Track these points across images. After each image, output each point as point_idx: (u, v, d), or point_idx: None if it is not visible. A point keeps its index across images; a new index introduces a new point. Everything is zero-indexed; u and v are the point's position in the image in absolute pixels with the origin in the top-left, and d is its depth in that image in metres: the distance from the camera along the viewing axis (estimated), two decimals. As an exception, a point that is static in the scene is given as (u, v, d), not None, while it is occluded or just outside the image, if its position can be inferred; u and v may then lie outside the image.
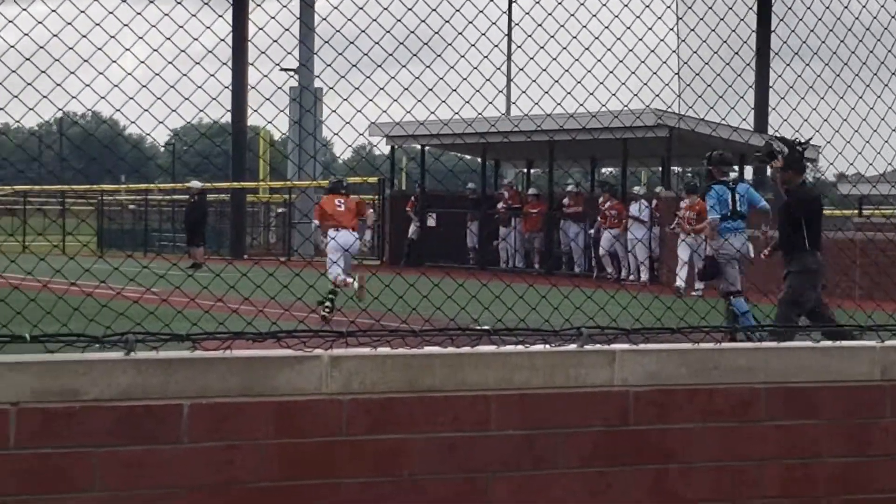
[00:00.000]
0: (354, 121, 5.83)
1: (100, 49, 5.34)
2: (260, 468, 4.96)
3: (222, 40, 5.82)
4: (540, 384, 5.39)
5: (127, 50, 5.48)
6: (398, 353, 5.24)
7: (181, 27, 5.45)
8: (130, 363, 4.82)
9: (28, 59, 5.15)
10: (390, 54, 5.92)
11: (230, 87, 6.05)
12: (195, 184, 37.93)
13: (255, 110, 6.61)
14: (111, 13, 5.34)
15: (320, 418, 5.06)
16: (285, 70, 36.56)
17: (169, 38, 5.47)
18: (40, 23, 5.17)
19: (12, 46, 5.15)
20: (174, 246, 49.68)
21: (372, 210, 26.52)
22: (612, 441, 5.49)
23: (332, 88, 5.93)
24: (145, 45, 5.51)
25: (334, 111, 5.86)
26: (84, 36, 5.27)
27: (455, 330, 5.45)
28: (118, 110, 5.60)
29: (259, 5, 5.97)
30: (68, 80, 5.31)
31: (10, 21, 5.11)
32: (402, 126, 6.36)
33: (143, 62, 5.44)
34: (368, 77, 5.92)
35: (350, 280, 20.65)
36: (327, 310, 18.95)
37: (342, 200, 22.57)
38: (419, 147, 41.12)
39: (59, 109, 5.81)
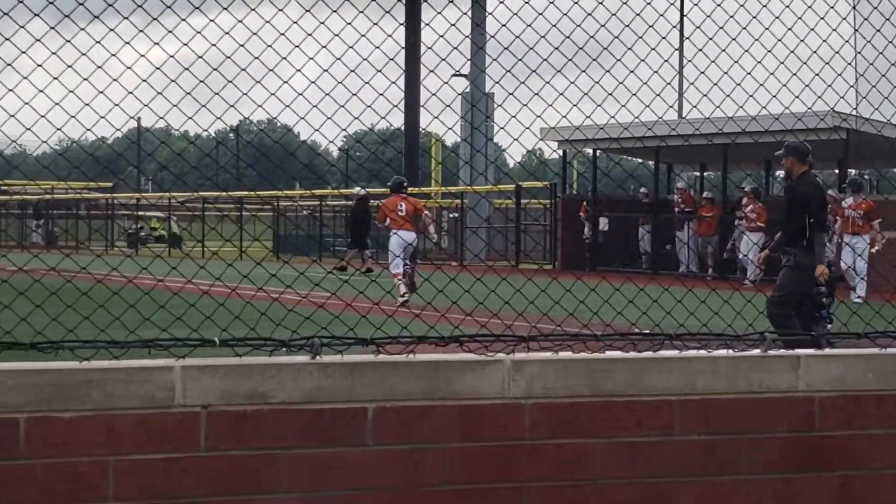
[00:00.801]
0: (527, 125, 5.85)
1: (284, 58, 5.45)
2: (443, 471, 5.00)
3: (403, 48, 5.90)
4: (723, 389, 5.33)
5: (311, 59, 5.58)
6: (580, 358, 5.24)
7: (363, 35, 5.53)
8: (317, 367, 4.90)
9: (215, 69, 5.28)
10: (570, 59, 5.92)
11: (401, 105, 6.16)
12: (358, 189, 38.97)
13: (436, 116, 6.63)
14: (295, 23, 5.43)
15: (502, 422, 5.08)
16: (459, 76, 36.78)
17: (351, 47, 5.54)
18: (227, 33, 5.29)
19: (200, 57, 5.28)
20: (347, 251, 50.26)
21: (428, 213, 27.71)
22: (797, 447, 5.41)
23: (511, 94, 5.94)
24: (317, 53, 5.60)
25: (514, 116, 5.88)
26: (269, 46, 5.39)
27: (637, 335, 5.43)
28: (302, 118, 5.68)
29: (439, 13, 6.01)
30: (245, 88, 5.42)
31: (198, 32, 5.24)
32: (575, 130, 6.31)
33: (325, 70, 5.53)
34: (546, 82, 5.91)
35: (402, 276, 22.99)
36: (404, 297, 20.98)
37: (403, 205, 24.69)
38: (591, 151, 40.98)
39: (246, 118, 5.95)
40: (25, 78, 4.95)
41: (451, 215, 53.86)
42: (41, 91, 4.95)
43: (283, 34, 5.39)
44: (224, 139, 51.36)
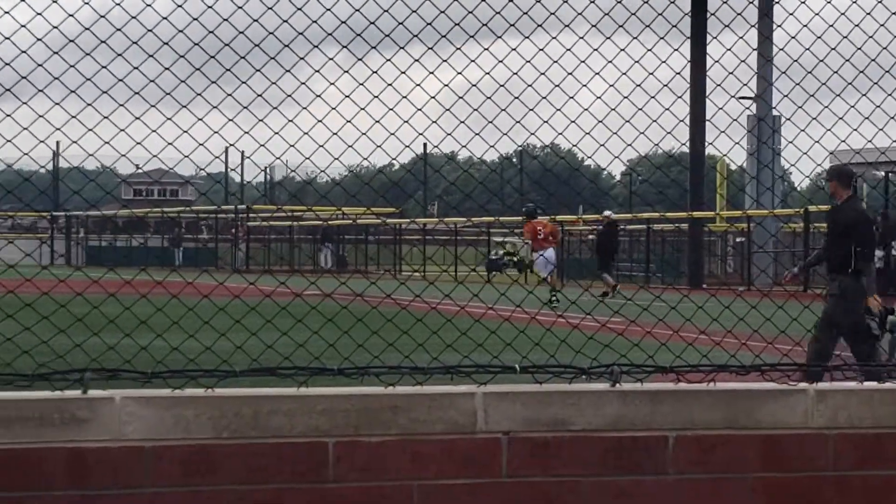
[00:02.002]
0: (812, 150, 5.74)
1: (557, 86, 5.47)
2: (746, 501, 4.93)
3: (677, 74, 5.87)
4: None
5: (583, 86, 5.60)
6: (886, 388, 5.09)
7: (636, 62, 5.52)
8: (617, 394, 4.89)
9: (488, 98, 5.34)
10: (849, 83, 5.78)
11: (685, 120, 6.11)
12: (608, 213, 39.93)
13: (710, 143, 6.57)
14: (568, 50, 5.45)
15: (806, 453, 4.98)
16: (742, 99, 36.23)
17: (624, 73, 5.53)
18: (500, 62, 5.35)
19: (474, 85, 5.36)
20: (630, 276, 50.12)
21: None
22: None
23: (788, 119, 5.85)
24: (600, 80, 5.61)
25: (791, 143, 5.79)
26: (542, 73, 5.42)
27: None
28: (574, 145, 5.69)
29: (715, 37, 5.95)
30: (527, 112, 5.47)
31: (472, 60, 5.33)
32: (863, 154, 6.13)
33: (598, 97, 5.53)
34: (826, 106, 5.78)
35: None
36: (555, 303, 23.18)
37: (542, 228, 31.35)
38: (881, 174, 39.74)
39: (518, 146, 6.00)
40: (304, 108, 5.11)
41: (736, 239, 53.04)
42: (319, 121, 5.09)
43: (555, 62, 5.41)
44: (507, 163, 51.88)
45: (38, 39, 4.72)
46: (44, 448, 4.39)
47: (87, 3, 4.73)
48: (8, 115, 4.68)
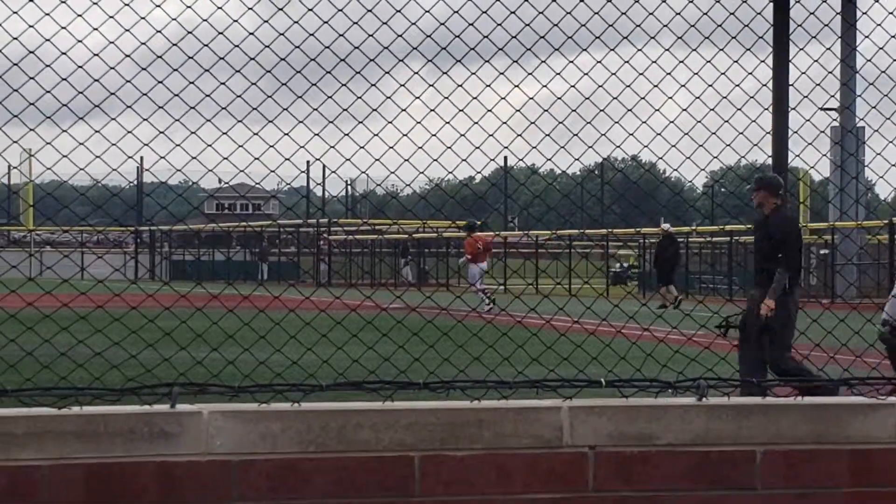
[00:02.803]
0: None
1: (642, 98, 5.45)
2: (834, 518, 4.87)
3: (764, 85, 5.83)
4: None
5: (669, 98, 5.58)
6: (979, 402, 5.01)
7: (722, 73, 5.48)
8: (703, 409, 4.86)
9: (574, 111, 5.33)
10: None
11: (769, 132, 6.06)
12: (665, 226, 40.11)
13: (798, 155, 6.52)
14: (654, 62, 5.44)
15: (896, 468, 4.91)
16: (826, 111, 35.93)
17: (711, 86, 5.50)
18: (585, 74, 5.34)
19: (559, 98, 5.34)
20: (713, 288, 49.76)
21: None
22: None
23: (876, 131, 5.78)
24: (685, 92, 5.58)
25: (879, 154, 5.72)
26: (628, 86, 5.40)
27: None
28: (660, 158, 5.66)
29: (801, 49, 5.90)
30: (607, 126, 5.45)
31: (557, 73, 5.33)
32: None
33: (684, 110, 5.50)
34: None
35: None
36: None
37: (481, 243, 35.22)
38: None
39: (604, 159, 5.99)
40: (390, 122, 5.12)
41: (820, 251, 52.50)
42: (405, 135, 5.11)
43: (640, 74, 5.39)
44: (587, 178, 51.75)
45: (127, 56, 4.77)
46: (133, 462, 4.43)
47: (174, 20, 4.78)
48: (97, 132, 4.74)
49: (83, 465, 4.38)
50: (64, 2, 4.64)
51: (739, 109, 5.57)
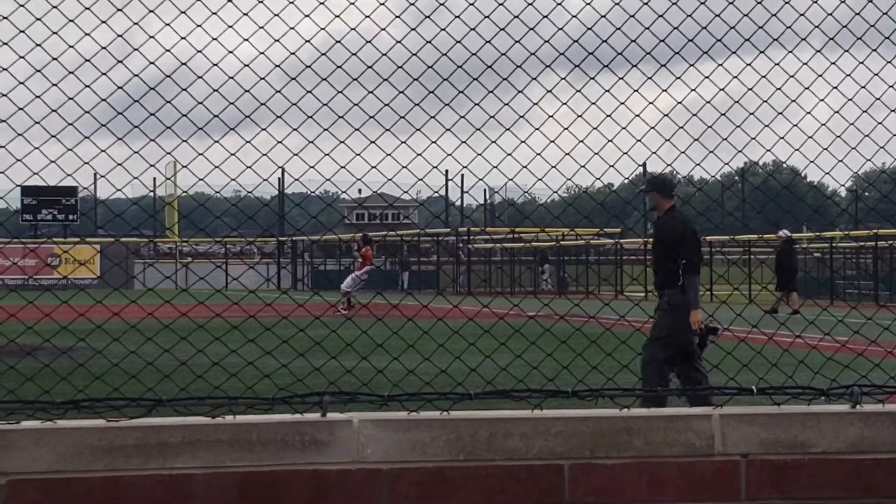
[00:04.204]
0: None
1: (793, 101, 5.37)
2: None
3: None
4: None
5: (821, 101, 5.49)
6: None
7: (875, 74, 5.38)
8: (858, 416, 4.77)
9: (723, 115, 5.27)
10: None
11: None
12: (784, 231, 39.81)
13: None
14: (805, 64, 5.35)
15: None
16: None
17: (863, 87, 5.40)
18: (735, 77, 5.27)
19: (708, 102, 5.28)
20: (860, 294, 48.92)
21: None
22: None
23: None
24: (837, 95, 5.49)
25: None
26: (778, 89, 5.32)
27: None
28: (812, 162, 5.58)
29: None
30: (753, 131, 5.38)
31: (705, 77, 5.25)
32: None
33: (836, 112, 5.42)
34: None
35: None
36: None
37: (372, 254, 39.94)
38: None
39: (753, 163, 5.91)
40: (537, 129, 5.11)
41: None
42: (552, 142, 5.10)
43: (791, 76, 5.31)
44: (730, 183, 51.25)
45: (277, 66, 4.84)
46: (285, 470, 4.47)
47: (322, 30, 4.83)
48: (247, 142, 4.81)
49: (237, 474, 4.44)
50: (216, 13, 4.71)
51: (894, 111, 5.46)
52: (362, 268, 39.41)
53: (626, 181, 5.88)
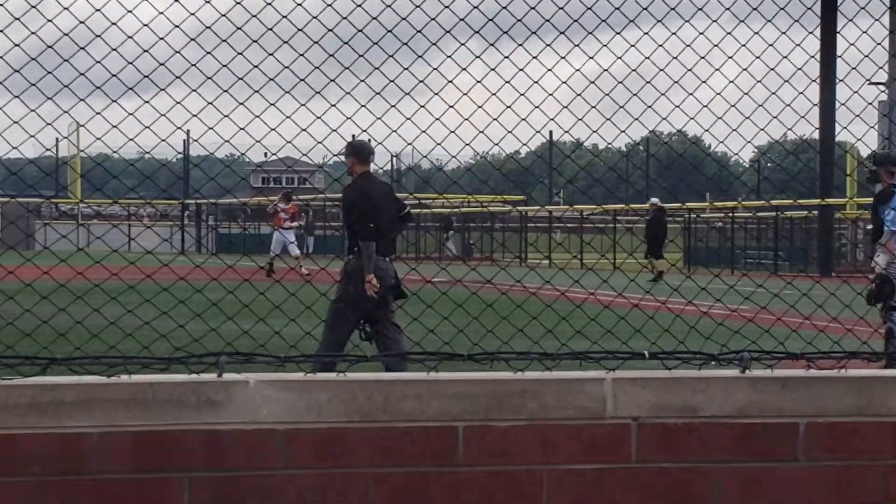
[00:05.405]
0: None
1: (689, 70, 5.44)
2: (877, 488, 4.88)
3: (812, 57, 5.82)
4: None
5: (717, 70, 5.58)
6: None
7: (770, 45, 5.47)
8: (747, 381, 4.87)
9: (620, 83, 5.34)
10: None
11: (817, 104, 6.04)
12: (654, 200, 41.71)
13: (845, 127, 6.50)
14: (701, 34, 5.42)
15: (938, 441, 4.91)
16: (875, 84, 35.65)
17: (758, 57, 5.49)
18: (633, 46, 5.34)
19: (605, 70, 5.36)
20: (759, 263, 49.61)
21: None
22: None
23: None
24: (732, 65, 5.57)
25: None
26: (674, 58, 5.40)
27: None
28: (706, 130, 5.66)
29: (850, 20, 5.88)
30: (653, 101, 5.46)
31: (603, 45, 5.32)
32: None
33: (731, 82, 5.51)
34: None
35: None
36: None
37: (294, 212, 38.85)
38: None
39: (650, 131, 5.99)
40: (436, 94, 5.15)
41: (868, 226, 52.20)
42: (451, 107, 5.14)
43: (688, 45, 5.38)
44: (633, 152, 51.62)
45: (176, 26, 4.82)
46: (180, 430, 4.48)
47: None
48: (146, 102, 4.79)
49: (132, 433, 4.45)
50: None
51: (787, 81, 5.56)
52: (290, 224, 38.90)
53: (530, 150, 5.94)
